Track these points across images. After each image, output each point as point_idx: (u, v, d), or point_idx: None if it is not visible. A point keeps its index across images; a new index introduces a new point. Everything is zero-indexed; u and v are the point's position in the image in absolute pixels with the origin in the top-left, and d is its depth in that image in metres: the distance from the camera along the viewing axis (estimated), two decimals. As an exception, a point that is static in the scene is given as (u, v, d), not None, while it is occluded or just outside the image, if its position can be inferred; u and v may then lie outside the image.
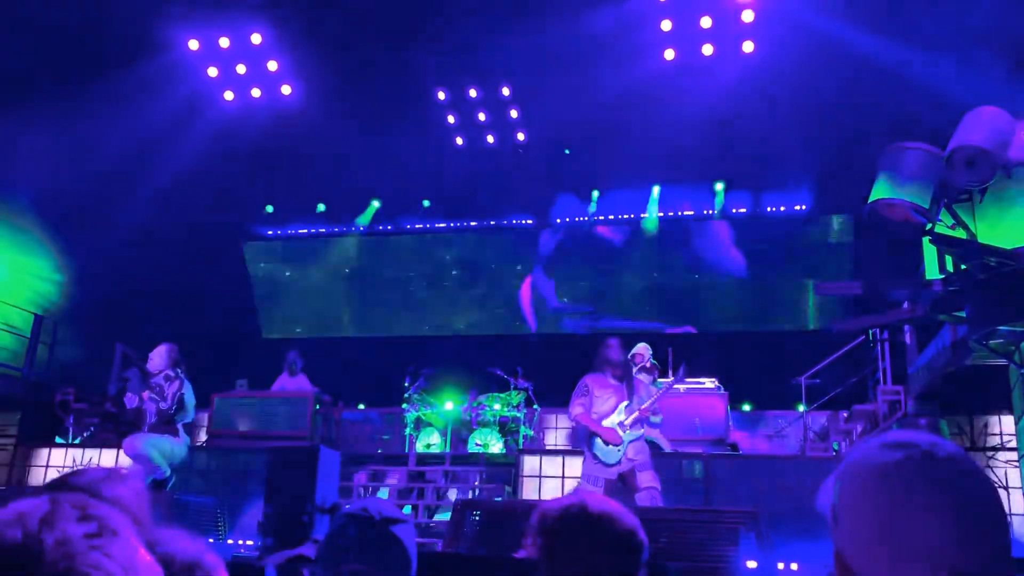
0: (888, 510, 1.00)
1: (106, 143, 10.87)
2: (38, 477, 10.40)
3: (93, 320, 11.95)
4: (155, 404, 6.60)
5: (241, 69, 11.85)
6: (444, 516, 8.45)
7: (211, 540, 6.76)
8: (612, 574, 1.66)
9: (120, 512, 0.85)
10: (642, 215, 13.57)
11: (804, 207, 12.99)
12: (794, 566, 5.55)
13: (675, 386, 7.43)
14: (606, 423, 6.38)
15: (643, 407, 6.49)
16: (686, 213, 13.53)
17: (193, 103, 11.86)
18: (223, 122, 12.07)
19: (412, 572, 1.91)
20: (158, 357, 6.81)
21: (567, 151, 12.70)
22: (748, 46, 10.72)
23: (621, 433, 6.35)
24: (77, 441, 10.82)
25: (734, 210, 13.22)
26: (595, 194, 13.59)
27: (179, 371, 6.79)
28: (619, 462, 6.35)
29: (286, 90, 12.04)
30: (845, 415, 10.24)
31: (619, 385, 6.56)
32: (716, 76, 10.85)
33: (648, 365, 8.89)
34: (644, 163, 12.29)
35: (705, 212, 13.43)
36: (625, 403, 6.47)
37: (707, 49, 10.85)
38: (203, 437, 10.68)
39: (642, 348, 9.04)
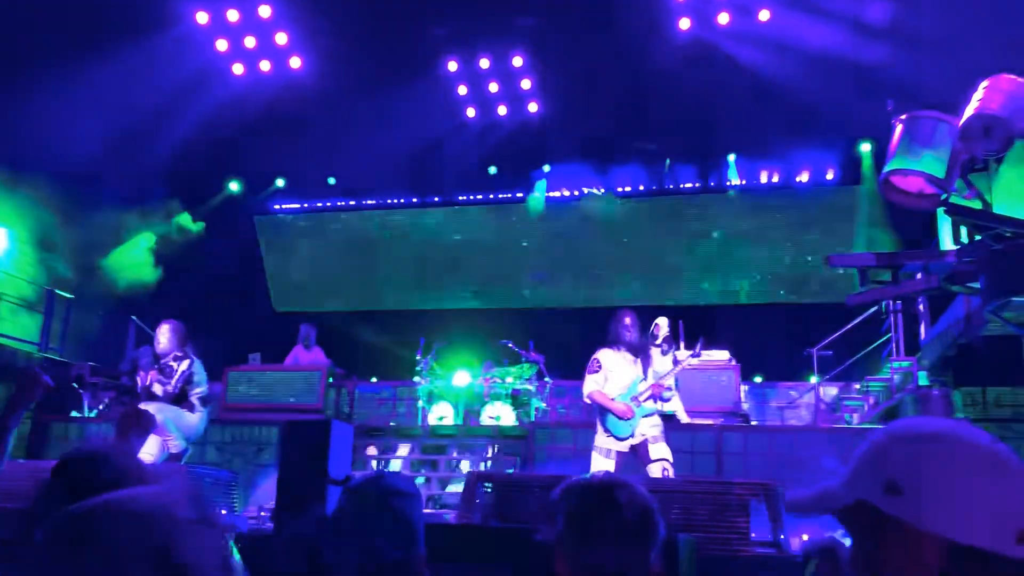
0: (998, 487, 1.04)
1: (116, 115, 10.83)
2: (54, 451, 10.51)
3: (107, 294, 12.00)
4: (163, 386, 6.61)
5: (250, 42, 11.79)
6: (456, 488, 8.50)
7: (225, 512, 6.83)
8: (625, 553, 1.66)
9: None
10: (652, 187, 13.48)
11: (826, 177, 12.87)
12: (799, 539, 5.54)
13: (689, 360, 7.45)
14: (619, 398, 6.40)
15: (656, 382, 6.48)
16: (698, 184, 13.43)
17: (202, 76, 11.82)
18: (232, 96, 12.03)
19: (420, 545, 1.92)
20: (164, 337, 6.75)
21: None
22: (764, 15, 10.61)
23: (634, 408, 6.37)
24: (93, 415, 10.91)
25: (747, 180, 13.11)
26: (607, 167, 13.48)
27: (187, 350, 6.76)
28: (631, 435, 6.38)
29: (295, 63, 11.98)
30: (857, 386, 10.21)
31: (634, 359, 6.50)
32: (733, 44, 10.75)
33: (666, 338, 8.88)
34: (658, 134, 12.20)
35: (718, 182, 13.33)
36: (639, 378, 6.45)
37: (723, 18, 10.76)
38: (217, 411, 10.75)
39: (661, 321, 9.02)
